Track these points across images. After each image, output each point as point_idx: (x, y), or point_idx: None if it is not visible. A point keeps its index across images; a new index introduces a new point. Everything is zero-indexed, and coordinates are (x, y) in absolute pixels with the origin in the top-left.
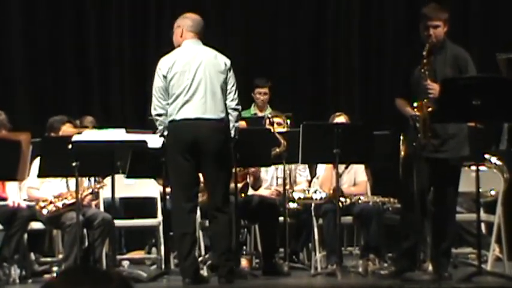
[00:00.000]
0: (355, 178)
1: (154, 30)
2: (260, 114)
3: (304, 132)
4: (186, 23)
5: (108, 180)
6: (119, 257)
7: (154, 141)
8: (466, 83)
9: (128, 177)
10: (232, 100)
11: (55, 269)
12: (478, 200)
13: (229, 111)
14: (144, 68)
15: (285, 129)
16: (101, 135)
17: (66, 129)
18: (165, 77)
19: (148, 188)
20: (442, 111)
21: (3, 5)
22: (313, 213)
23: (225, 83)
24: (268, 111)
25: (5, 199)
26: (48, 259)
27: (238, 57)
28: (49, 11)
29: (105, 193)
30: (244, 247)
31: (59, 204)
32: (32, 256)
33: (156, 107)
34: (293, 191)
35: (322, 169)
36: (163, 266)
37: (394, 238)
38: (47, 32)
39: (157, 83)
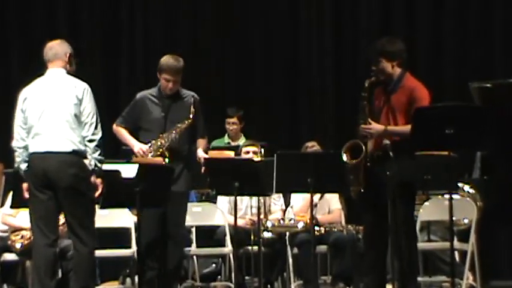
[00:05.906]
0: (329, 206)
1: (126, 58)
2: (233, 143)
3: (278, 162)
4: (44, 53)
5: None
6: None
7: (128, 170)
8: (439, 111)
9: (102, 207)
10: (88, 131)
11: None
12: (452, 229)
13: (86, 142)
14: (117, 98)
15: (259, 158)
16: None
17: None
18: (21, 109)
19: (123, 218)
20: (415, 141)
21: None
22: (287, 243)
23: (78, 113)
24: (242, 141)
25: None
26: None
27: (214, 84)
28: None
29: None
30: (219, 277)
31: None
32: None
33: (16, 139)
34: (267, 220)
35: (296, 198)
36: None
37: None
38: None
39: (16, 115)
